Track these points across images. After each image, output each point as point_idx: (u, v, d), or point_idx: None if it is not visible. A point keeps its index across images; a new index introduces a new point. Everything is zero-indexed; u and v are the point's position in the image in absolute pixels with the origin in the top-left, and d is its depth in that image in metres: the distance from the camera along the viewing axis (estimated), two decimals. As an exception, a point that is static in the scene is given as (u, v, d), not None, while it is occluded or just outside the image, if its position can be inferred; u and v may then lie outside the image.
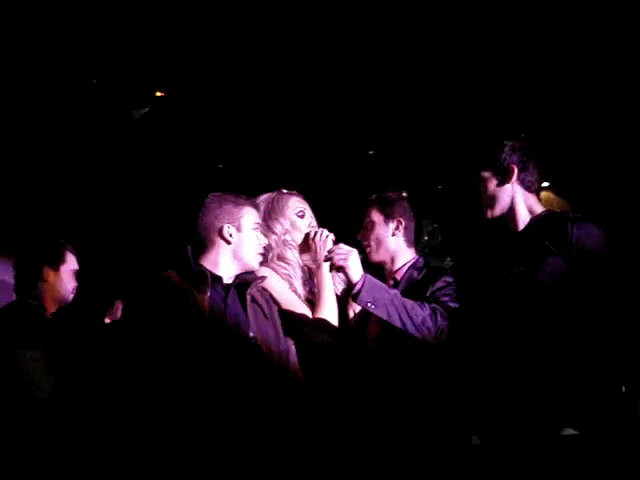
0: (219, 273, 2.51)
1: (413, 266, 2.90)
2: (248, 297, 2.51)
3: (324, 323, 2.65)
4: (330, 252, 2.67)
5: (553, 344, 2.48)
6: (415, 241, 3.01)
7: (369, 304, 2.61)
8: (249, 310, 2.49)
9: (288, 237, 2.80)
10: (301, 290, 2.75)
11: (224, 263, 2.53)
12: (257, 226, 2.59)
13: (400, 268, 2.91)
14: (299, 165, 5.89)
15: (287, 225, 2.80)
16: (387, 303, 2.61)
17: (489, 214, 2.74)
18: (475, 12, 4.59)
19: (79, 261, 3.17)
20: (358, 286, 2.62)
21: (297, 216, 2.82)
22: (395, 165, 6.32)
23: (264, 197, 2.86)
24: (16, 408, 2.82)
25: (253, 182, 3.09)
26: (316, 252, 2.74)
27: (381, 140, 6.30)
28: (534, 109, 5.57)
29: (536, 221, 2.68)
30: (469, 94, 5.53)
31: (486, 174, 2.71)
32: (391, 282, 2.88)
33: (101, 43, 4.67)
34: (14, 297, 3.13)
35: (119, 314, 3.15)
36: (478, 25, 4.75)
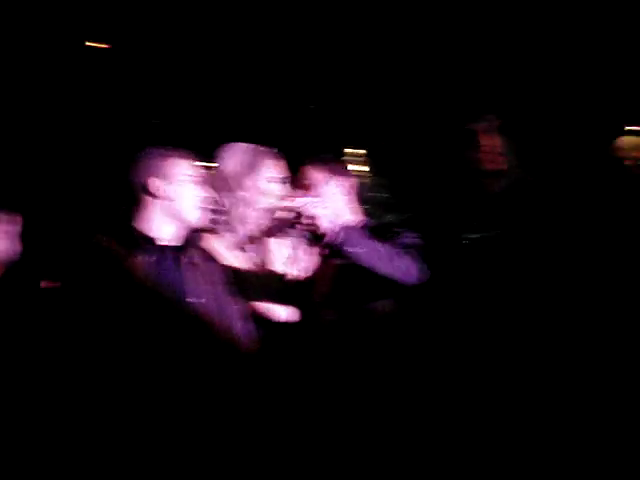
0: (155, 234, 2.33)
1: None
2: (185, 259, 2.34)
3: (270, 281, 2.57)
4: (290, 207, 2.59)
5: None
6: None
7: (355, 248, 2.51)
8: (186, 274, 2.32)
9: (257, 201, 2.61)
10: (248, 263, 2.60)
11: (158, 222, 2.34)
12: (192, 178, 2.39)
13: None
14: (238, 118, 5.66)
15: (258, 185, 2.61)
16: (355, 243, 2.53)
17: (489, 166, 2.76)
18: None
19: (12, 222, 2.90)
20: (342, 233, 2.53)
21: (270, 181, 2.64)
22: (337, 120, 6.18)
23: (240, 146, 2.66)
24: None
25: (192, 139, 2.88)
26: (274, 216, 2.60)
27: (323, 94, 6.14)
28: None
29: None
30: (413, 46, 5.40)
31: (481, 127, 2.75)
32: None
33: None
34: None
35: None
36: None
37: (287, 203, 2.60)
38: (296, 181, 2.77)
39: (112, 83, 5.28)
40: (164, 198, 2.33)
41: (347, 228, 2.57)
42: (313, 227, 2.59)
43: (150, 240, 2.31)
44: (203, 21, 4.85)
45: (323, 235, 2.53)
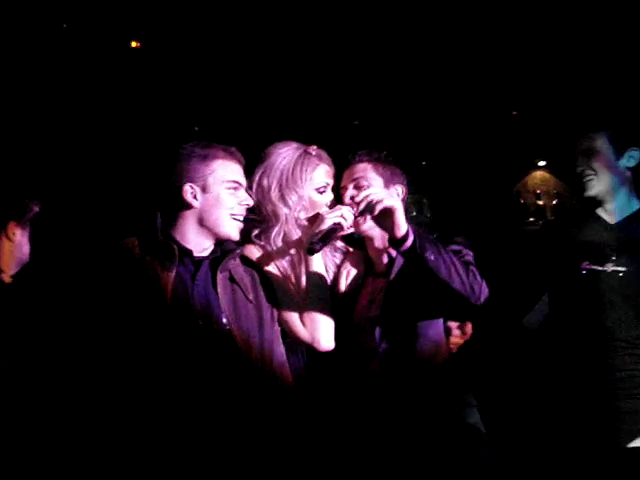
0: (189, 245, 2.11)
1: None
2: (222, 274, 2.12)
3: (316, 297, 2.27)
4: (365, 196, 2.12)
5: None
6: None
7: (428, 253, 2.12)
8: (222, 290, 2.09)
9: (302, 214, 2.35)
10: (300, 277, 2.34)
11: (192, 233, 2.11)
12: (235, 185, 2.15)
13: None
14: (280, 133, 5.55)
15: (305, 199, 2.34)
16: (435, 250, 2.16)
17: (590, 192, 2.50)
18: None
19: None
20: (412, 233, 2.11)
21: (318, 192, 2.37)
22: (379, 137, 6.06)
23: (284, 151, 2.36)
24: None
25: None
26: (317, 228, 2.25)
27: (366, 111, 6.05)
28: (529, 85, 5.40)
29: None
30: (461, 66, 5.31)
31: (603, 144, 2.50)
32: (385, 259, 2.39)
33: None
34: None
35: None
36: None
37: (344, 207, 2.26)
38: (345, 178, 2.41)
39: (151, 82, 5.22)
40: (198, 207, 2.11)
41: (421, 232, 2.17)
42: (370, 231, 2.31)
43: (185, 251, 2.10)
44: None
45: (397, 239, 2.11)
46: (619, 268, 2.39)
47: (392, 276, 2.29)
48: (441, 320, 2.32)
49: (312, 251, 2.15)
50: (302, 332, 2.25)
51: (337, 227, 2.21)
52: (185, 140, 2.28)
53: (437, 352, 2.28)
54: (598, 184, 2.49)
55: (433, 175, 6.33)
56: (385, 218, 2.11)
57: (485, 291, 2.21)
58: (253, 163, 2.38)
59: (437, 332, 2.30)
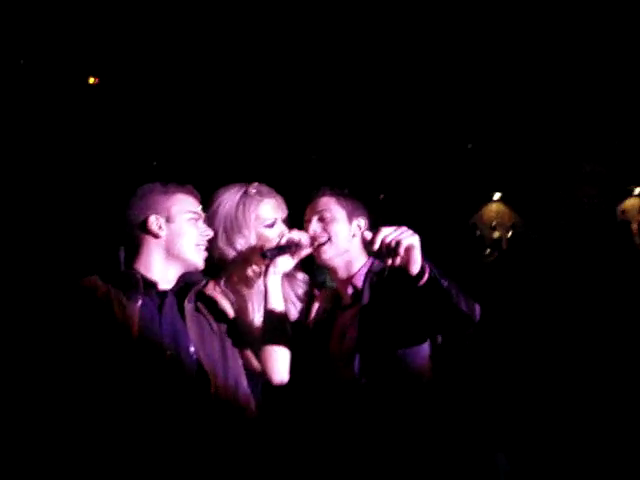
0: (154, 277, 2.14)
1: (372, 270, 2.35)
2: (189, 305, 2.15)
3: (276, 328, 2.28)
4: (382, 240, 1.91)
5: None
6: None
7: (442, 280, 1.98)
8: (189, 320, 2.13)
9: (253, 244, 2.39)
10: (254, 316, 2.36)
11: (158, 264, 2.16)
12: (195, 215, 2.22)
13: (357, 273, 2.37)
14: (240, 164, 5.62)
15: (252, 239, 2.40)
16: (441, 274, 2.03)
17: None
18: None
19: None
20: (427, 267, 1.95)
21: (267, 227, 2.43)
22: (337, 171, 6.15)
23: (226, 197, 2.42)
24: None
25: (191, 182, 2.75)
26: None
27: (324, 145, 6.13)
28: (485, 119, 5.54)
29: None
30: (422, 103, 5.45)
31: None
32: (349, 290, 2.39)
33: (32, 20, 4.27)
34: None
35: None
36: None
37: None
38: (309, 211, 2.44)
39: (111, 120, 5.22)
40: (164, 237, 2.16)
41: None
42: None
43: (150, 283, 2.13)
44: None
45: (412, 275, 1.95)
46: None
47: (362, 307, 2.28)
48: (422, 348, 2.25)
49: (265, 256, 2.26)
50: (255, 365, 2.27)
51: (292, 244, 2.30)
52: (144, 176, 2.30)
53: (418, 382, 2.24)
54: None
55: (390, 208, 6.42)
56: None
57: (478, 308, 2.13)
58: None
59: (418, 362, 2.24)
